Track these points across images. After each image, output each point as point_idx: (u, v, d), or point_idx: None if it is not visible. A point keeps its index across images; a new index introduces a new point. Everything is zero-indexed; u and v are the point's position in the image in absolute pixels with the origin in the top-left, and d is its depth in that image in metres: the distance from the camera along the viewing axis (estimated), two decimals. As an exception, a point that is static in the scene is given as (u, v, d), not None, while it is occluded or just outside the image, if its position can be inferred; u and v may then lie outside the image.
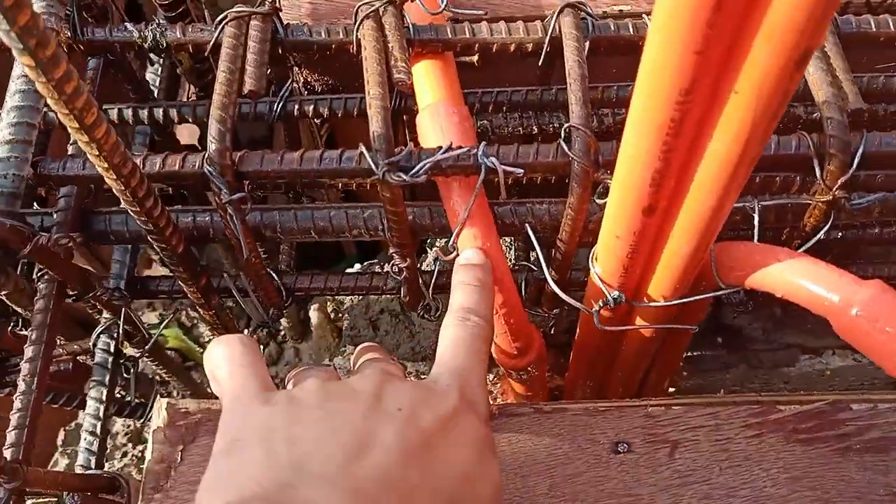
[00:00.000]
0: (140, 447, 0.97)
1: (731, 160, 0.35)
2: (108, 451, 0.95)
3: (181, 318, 1.04)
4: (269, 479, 0.32)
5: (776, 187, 0.51)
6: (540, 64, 0.55)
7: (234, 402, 0.37)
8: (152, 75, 0.70)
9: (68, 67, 0.38)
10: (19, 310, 0.64)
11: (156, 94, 0.70)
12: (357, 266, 0.93)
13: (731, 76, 0.32)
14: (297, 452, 0.33)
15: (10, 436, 0.49)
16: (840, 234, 0.54)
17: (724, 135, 0.34)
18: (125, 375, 0.65)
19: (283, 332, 1.05)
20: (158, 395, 0.50)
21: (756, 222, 0.51)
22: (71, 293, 0.56)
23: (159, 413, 0.50)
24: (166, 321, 0.73)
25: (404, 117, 0.66)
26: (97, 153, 0.42)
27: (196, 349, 1.02)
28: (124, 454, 0.96)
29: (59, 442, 0.98)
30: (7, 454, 0.48)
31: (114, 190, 0.47)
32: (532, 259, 0.64)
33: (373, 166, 0.48)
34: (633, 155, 0.38)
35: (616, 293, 0.51)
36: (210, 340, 1.07)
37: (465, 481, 0.35)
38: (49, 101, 0.39)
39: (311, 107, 0.62)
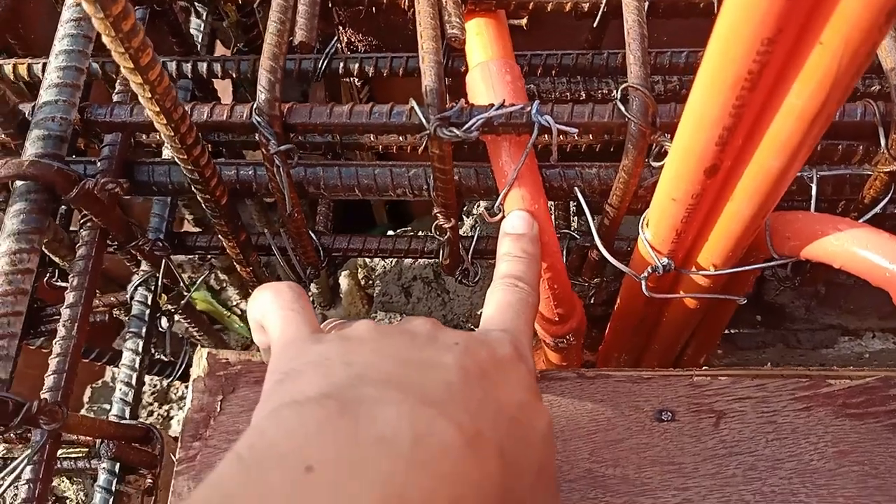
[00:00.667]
0: (166, 406, 0.97)
1: (807, 116, 0.34)
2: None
3: (210, 281, 1.04)
4: (329, 383, 0.31)
5: (838, 156, 0.49)
6: (595, 25, 0.54)
7: (286, 345, 0.36)
8: (195, 30, 0.69)
9: (126, 4, 0.37)
10: (57, 259, 0.64)
11: (198, 50, 0.69)
12: (390, 233, 0.92)
13: (817, 26, 0.31)
14: (356, 370, 0.32)
15: (49, 380, 0.49)
16: (897, 208, 0.53)
17: (804, 89, 0.33)
18: (160, 329, 0.64)
19: (311, 298, 1.05)
20: (197, 348, 0.49)
21: (814, 192, 0.49)
22: (111, 243, 0.56)
23: (199, 363, 0.49)
24: (202, 277, 0.73)
25: (447, 80, 0.65)
26: (150, 95, 0.42)
27: (224, 312, 1.02)
28: (150, 413, 0.96)
29: (86, 399, 0.99)
30: (46, 396, 0.47)
31: (162, 136, 0.46)
32: (574, 227, 0.63)
33: (423, 121, 0.47)
34: (702, 110, 0.36)
35: (666, 260, 0.50)
36: (238, 305, 1.08)
37: (524, 409, 0.34)
38: (105, 40, 0.38)
39: (357, 65, 0.61)
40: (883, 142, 0.46)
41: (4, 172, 0.44)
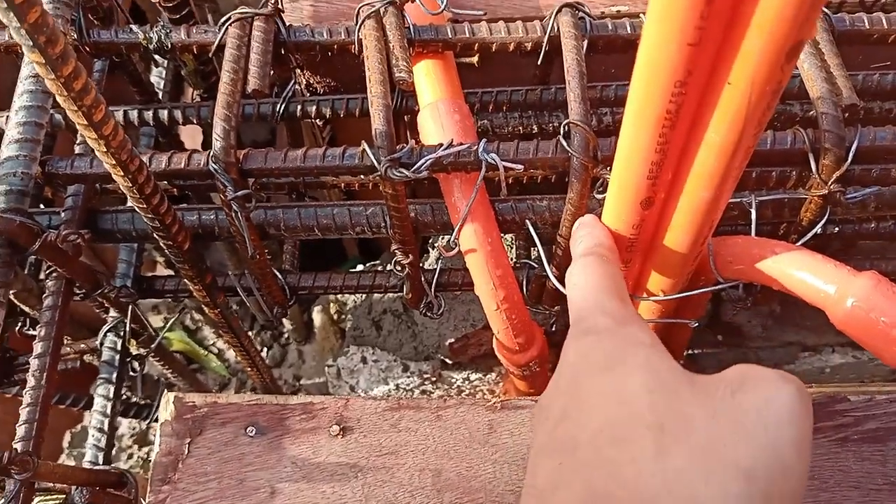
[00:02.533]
0: (146, 448, 0.98)
1: (726, 150, 0.36)
2: (115, 453, 0.96)
3: (185, 321, 1.05)
4: None
5: (773, 182, 0.51)
6: (539, 63, 0.56)
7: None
8: (157, 78, 0.71)
9: (77, 65, 0.39)
10: (27, 309, 0.65)
11: (160, 97, 0.71)
12: (360, 267, 0.93)
13: (724, 67, 0.33)
14: None
15: (21, 430, 0.50)
16: (836, 228, 0.55)
17: (720, 125, 0.35)
18: (132, 373, 0.65)
19: (286, 335, 1.06)
20: (178, 389, 0.50)
21: (753, 217, 0.51)
22: (79, 291, 0.57)
23: (167, 406, 0.50)
24: (173, 318, 0.74)
25: (405, 118, 0.67)
26: (105, 149, 0.43)
27: (201, 352, 1.03)
28: (130, 456, 0.96)
29: (66, 444, 0.99)
30: (18, 447, 0.48)
31: (121, 187, 0.47)
32: (533, 257, 0.65)
33: (375, 162, 0.49)
34: (630, 147, 0.38)
35: (616, 287, 0.51)
36: (214, 343, 1.08)
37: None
38: (58, 98, 0.40)
39: (314, 107, 0.63)
40: (814, 167, 0.49)
41: (-34, 229, 0.45)
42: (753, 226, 0.51)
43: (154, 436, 1.01)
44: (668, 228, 0.45)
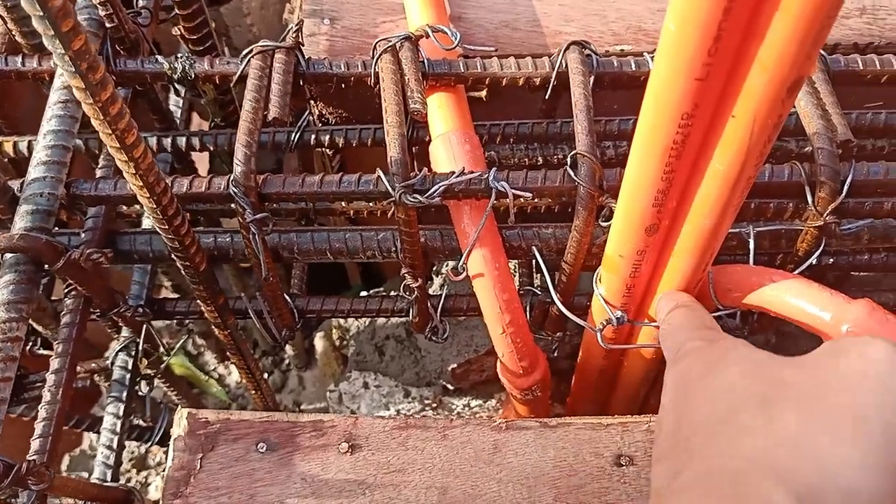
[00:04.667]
0: (144, 473, 0.98)
1: (729, 179, 0.38)
2: (113, 476, 0.96)
3: (187, 346, 1.06)
4: None
5: (770, 213, 0.53)
6: (546, 97, 0.59)
7: None
8: (174, 106, 0.73)
9: (113, 91, 0.41)
10: (39, 328, 0.66)
11: (178, 125, 0.73)
12: (363, 294, 0.95)
13: (729, 101, 0.35)
14: None
15: (35, 443, 0.51)
16: (831, 259, 0.57)
17: (724, 156, 0.37)
18: (140, 393, 0.66)
19: (287, 361, 1.07)
20: (178, 409, 0.51)
21: (752, 246, 0.53)
22: (95, 310, 0.58)
23: (179, 422, 0.52)
24: (181, 341, 0.75)
25: (414, 148, 0.69)
26: (134, 171, 0.45)
27: (202, 377, 1.04)
28: (128, 479, 0.97)
29: (64, 467, 0.99)
30: (34, 458, 0.49)
31: (145, 208, 0.49)
32: (537, 283, 0.66)
33: (389, 188, 0.51)
34: (638, 175, 0.41)
35: (619, 313, 0.53)
36: (215, 369, 1.09)
37: None
38: (94, 122, 0.42)
39: (328, 136, 0.65)
40: (810, 199, 0.51)
41: (-5, 245, 0.47)
42: (752, 255, 0.53)
43: (152, 460, 1.02)
44: (671, 255, 0.47)
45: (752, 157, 0.37)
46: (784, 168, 0.51)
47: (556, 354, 0.69)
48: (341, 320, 0.91)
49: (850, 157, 0.52)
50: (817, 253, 0.54)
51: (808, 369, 0.35)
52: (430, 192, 0.50)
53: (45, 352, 0.68)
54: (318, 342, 0.96)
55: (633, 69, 0.57)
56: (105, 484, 0.58)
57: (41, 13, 0.35)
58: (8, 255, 0.48)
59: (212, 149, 0.66)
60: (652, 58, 0.58)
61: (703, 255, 0.45)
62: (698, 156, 0.39)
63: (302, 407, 1.03)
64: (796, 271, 0.54)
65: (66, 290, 0.57)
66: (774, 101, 0.34)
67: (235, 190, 0.51)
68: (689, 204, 0.42)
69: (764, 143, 0.37)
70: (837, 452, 0.31)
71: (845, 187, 0.50)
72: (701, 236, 0.43)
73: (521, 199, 0.52)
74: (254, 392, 0.78)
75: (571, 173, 0.51)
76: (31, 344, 0.67)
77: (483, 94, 0.64)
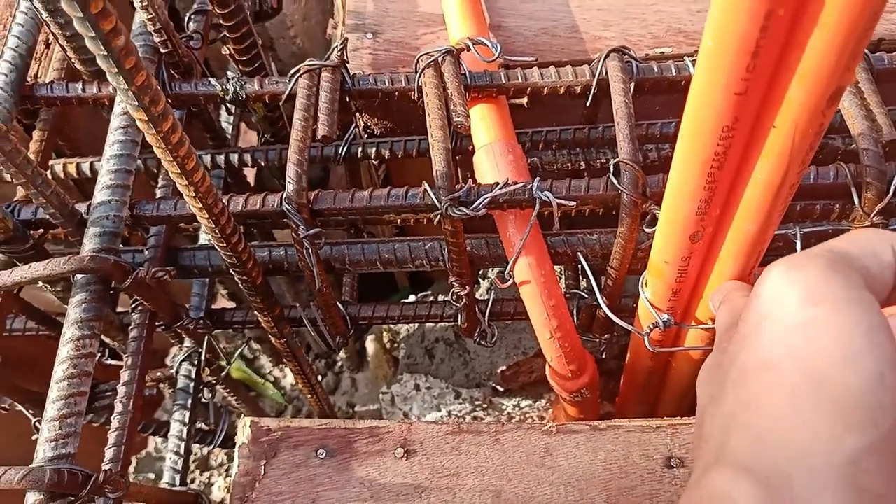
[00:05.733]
0: (207, 474, 1.02)
1: (772, 188, 0.39)
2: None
3: (244, 351, 1.09)
4: None
5: (816, 214, 0.53)
6: (588, 104, 0.59)
7: None
8: (226, 124, 0.76)
9: (174, 120, 0.43)
10: (107, 340, 0.70)
11: (229, 140, 0.76)
12: (412, 297, 0.97)
13: (769, 113, 0.36)
14: None
15: (109, 452, 0.54)
16: (880, 258, 0.57)
17: (765, 165, 0.38)
18: (203, 400, 0.69)
19: (340, 363, 1.09)
20: (241, 416, 0.54)
21: (798, 248, 0.54)
22: (160, 323, 0.61)
23: (243, 430, 0.54)
24: (240, 350, 0.78)
25: (457, 157, 0.70)
26: (194, 194, 0.47)
27: (258, 380, 1.07)
28: (192, 480, 1.00)
29: (131, 470, 1.03)
30: (109, 467, 0.52)
31: (204, 227, 0.52)
32: (583, 287, 0.67)
33: (436, 202, 0.53)
34: (680, 186, 0.41)
35: (665, 316, 0.54)
36: (271, 372, 1.12)
37: None
38: (156, 150, 0.44)
39: (374, 149, 0.67)
40: (856, 200, 0.51)
41: (68, 267, 0.49)
42: (798, 256, 0.53)
43: (214, 461, 1.05)
44: (717, 259, 0.47)
45: (795, 165, 0.38)
46: (829, 169, 0.51)
47: (604, 356, 0.69)
48: (395, 324, 0.93)
49: (896, 157, 0.52)
50: (866, 252, 0.53)
51: (731, 348, 0.33)
52: (475, 205, 0.52)
53: (114, 362, 0.72)
54: (370, 345, 0.98)
55: (674, 74, 0.57)
56: (175, 489, 0.61)
57: (105, 52, 0.38)
58: (79, 276, 0.51)
59: (262, 164, 0.69)
60: (692, 61, 0.59)
61: (749, 259, 0.45)
62: (740, 165, 0.39)
63: (356, 408, 1.05)
64: (844, 271, 0.54)
65: (132, 306, 0.59)
66: (815, 112, 0.35)
67: (289, 207, 0.54)
68: (733, 211, 0.42)
69: (806, 151, 0.37)
70: (772, 420, 0.29)
71: (892, 188, 0.49)
72: (746, 242, 0.44)
73: (564, 207, 0.53)
74: (309, 395, 0.81)
75: (614, 181, 0.52)
76: (99, 355, 0.71)
77: (524, 100, 0.65)
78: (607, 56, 0.57)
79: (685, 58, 0.58)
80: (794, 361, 0.29)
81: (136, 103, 0.41)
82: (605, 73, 0.57)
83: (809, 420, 0.28)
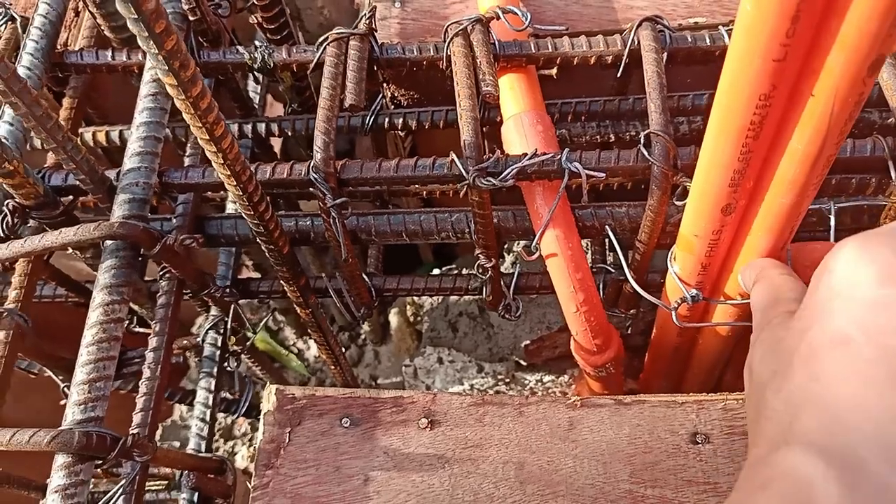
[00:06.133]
0: (231, 442, 1.03)
1: (808, 159, 0.38)
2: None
3: (268, 322, 1.10)
4: None
5: (852, 189, 0.52)
6: (619, 75, 0.58)
7: None
8: (253, 93, 0.76)
9: (203, 86, 0.43)
10: (136, 307, 0.71)
11: (256, 110, 0.76)
12: (436, 271, 0.97)
13: (808, 81, 0.35)
14: None
15: (137, 417, 0.54)
16: (917, 234, 0.55)
17: (803, 135, 0.37)
18: (228, 369, 0.70)
19: (363, 336, 1.10)
20: (266, 385, 0.54)
21: (832, 223, 0.53)
22: (187, 291, 0.62)
23: (269, 398, 0.54)
24: (264, 319, 0.78)
25: (484, 128, 0.70)
26: (222, 161, 0.47)
27: (282, 352, 1.08)
28: (216, 448, 1.02)
29: (157, 437, 1.05)
30: (137, 432, 0.53)
31: (232, 195, 0.52)
32: (609, 261, 0.67)
33: (463, 172, 0.52)
34: (713, 157, 0.41)
35: (694, 291, 0.53)
36: (294, 344, 1.13)
37: None
38: (185, 116, 0.44)
39: (401, 119, 0.67)
40: (893, 174, 0.50)
41: (98, 233, 0.50)
42: (832, 232, 0.52)
43: (238, 430, 1.07)
44: (749, 233, 0.47)
45: (833, 136, 0.37)
46: (866, 143, 0.50)
47: (629, 331, 0.69)
48: (415, 297, 0.93)
49: (937, 130, 0.50)
50: (902, 228, 0.52)
51: (797, 324, 0.34)
52: (503, 175, 0.51)
53: (141, 329, 0.73)
54: (393, 318, 0.99)
55: (708, 44, 0.56)
56: (200, 454, 0.62)
57: (136, 16, 0.37)
58: (108, 242, 0.52)
59: (289, 133, 0.68)
60: (727, 31, 0.58)
61: (782, 233, 0.44)
62: (776, 135, 0.38)
63: (378, 381, 1.06)
64: (879, 247, 0.53)
65: (160, 273, 0.60)
66: (855, 80, 0.34)
67: (316, 176, 0.53)
68: (767, 183, 0.42)
69: (845, 121, 0.36)
70: (845, 398, 0.28)
71: (932, 162, 0.48)
72: (779, 215, 0.43)
73: (594, 179, 0.53)
74: (332, 367, 0.81)
75: (645, 152, 0.51)
76: (127, 322, 0.72)
77: (553, 71, 0.64)
78: (639, 25, 0.56)
79: (720, 27, 0.57)
80: (869, 339, 0.29)
81: (167, 68, 0.41)
82: (636, 42, 0.56)
83: (883, 396, 0.27)
